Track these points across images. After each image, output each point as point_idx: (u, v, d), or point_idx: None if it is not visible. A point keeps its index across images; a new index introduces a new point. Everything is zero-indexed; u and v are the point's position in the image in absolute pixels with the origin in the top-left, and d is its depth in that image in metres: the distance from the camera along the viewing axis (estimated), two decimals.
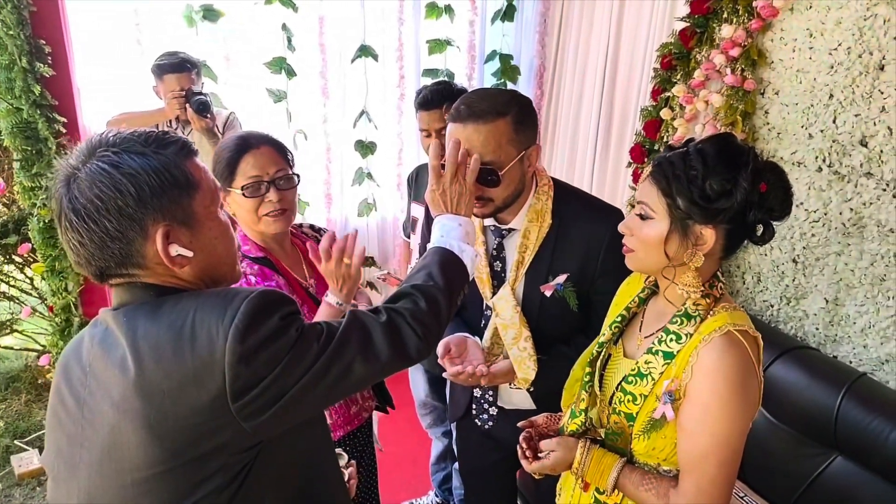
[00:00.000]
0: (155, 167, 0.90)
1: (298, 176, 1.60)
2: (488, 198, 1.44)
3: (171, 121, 2.62)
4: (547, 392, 1.60)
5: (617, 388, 1.23)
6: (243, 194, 1.51)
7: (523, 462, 1.29)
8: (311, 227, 1.83)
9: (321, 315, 1.46)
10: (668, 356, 1.15)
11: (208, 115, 2.52)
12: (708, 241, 1.11)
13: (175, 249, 0.92)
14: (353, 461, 1.43)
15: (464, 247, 1.21)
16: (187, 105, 2.51)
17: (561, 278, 1.52)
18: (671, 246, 1.13)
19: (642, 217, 1.16)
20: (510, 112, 1.38)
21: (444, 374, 1.55)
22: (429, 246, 1.24)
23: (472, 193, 1.34)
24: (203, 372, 0.85)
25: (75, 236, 0.90)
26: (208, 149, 2.46)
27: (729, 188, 1.07)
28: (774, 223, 1.13)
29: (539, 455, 1.28)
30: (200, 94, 2.54)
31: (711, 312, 1.14)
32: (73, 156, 0.92)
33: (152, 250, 0.91)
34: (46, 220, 2.65)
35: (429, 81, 3.36)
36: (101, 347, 0.92)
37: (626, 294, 1.37)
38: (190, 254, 0.93)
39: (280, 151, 1.57)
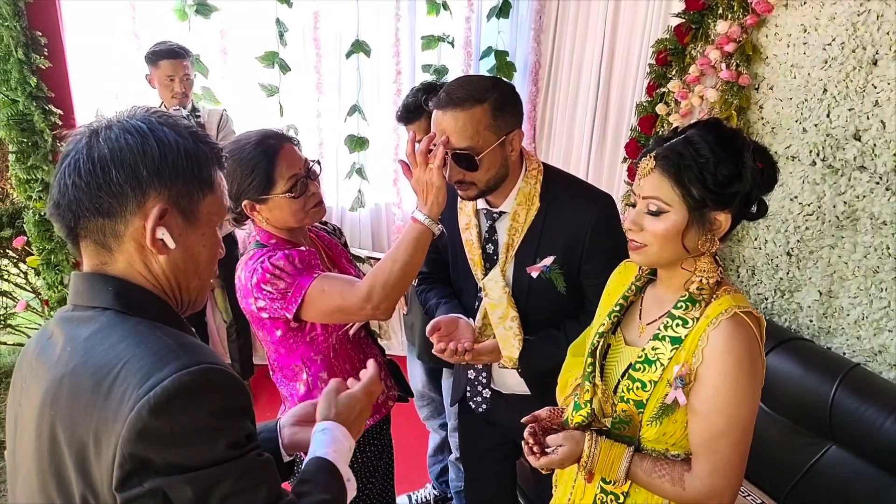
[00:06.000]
0: (187, 149, 0.88)
1: (318, 161, 1.57)
2: (470, 181, 1.48)
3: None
4: (535, 374, 1.63)
5: (623, 377, 1.23)
6: (292, 196, 1.47)
7: (530, 459, 1.27)
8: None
9: (407, 231, 1.40)
10: (676, 341, 1.16)
11: None
12: (724, 225, 1.13)
13: (161, 232, 0.86)
14: None
15: (349, 474, 1.02)
16: None
17: (548, 260, 1.55)
18: (690, 237, 1.13)
19: (654, 213, 1.14)
20: (488, 99, 1.42)
21: (432, 350, 1.58)
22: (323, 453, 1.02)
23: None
24: (102, 436, 0.76)
25: (73, 176, 0.84)
26: None
27: (738, 171, 1.09)
28: (765, 198, 1.16)
29: (546, 450, 1.26)
30: None
31: (715, 296, 1.15)
32: (112, 115, 0.89)
33: (136, 226, 0.85)
34: (42, 213, 2.63)
35: (427, 77, 3.38)
36: (37, 359, 0.89)
37: (619, 283, 1.37)
38: (173, 245, 0.87)
39: (295, 143, 1.54)
